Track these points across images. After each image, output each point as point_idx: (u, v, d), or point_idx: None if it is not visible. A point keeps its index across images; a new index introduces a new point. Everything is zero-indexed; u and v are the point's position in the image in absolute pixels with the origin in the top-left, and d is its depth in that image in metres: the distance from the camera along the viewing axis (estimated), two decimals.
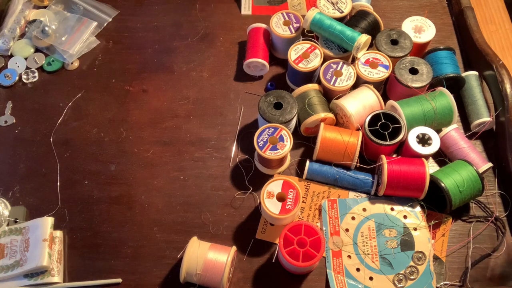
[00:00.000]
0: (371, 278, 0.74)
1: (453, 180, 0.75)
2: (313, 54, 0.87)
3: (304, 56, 0.87)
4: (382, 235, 0.76)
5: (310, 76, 0.88)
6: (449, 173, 0.76)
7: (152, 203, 0.83)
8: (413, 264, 0.74)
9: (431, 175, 0.76)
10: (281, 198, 0.75)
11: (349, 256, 0.75)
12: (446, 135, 0.82)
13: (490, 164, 0.80)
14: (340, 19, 0.90)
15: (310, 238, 0.71)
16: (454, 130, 0.82)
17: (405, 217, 0.78)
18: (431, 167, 0.83)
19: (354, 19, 0.92)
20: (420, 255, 0.74)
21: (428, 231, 0.77)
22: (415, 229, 0.77)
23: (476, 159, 0.80)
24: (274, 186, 0.75)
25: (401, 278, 0.73)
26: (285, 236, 0.71)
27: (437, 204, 0.79)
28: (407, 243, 0.76)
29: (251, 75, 0.96)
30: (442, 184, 0.75)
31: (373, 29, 0.91)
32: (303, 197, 0.81)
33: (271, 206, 0.74)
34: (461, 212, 0.80)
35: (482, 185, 0.76)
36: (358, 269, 0.74)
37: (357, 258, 0.75)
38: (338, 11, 0.91)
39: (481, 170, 0.78)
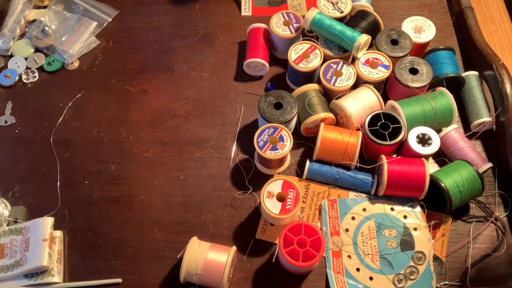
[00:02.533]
0: (371, 278, 0.74)
1: (453, 180, 0.75)
2: (313, 54, 0.87)
3: (304, 56, 0.87)
4: (382, 235, 0.76)
5: (310, 76, 0.88)
6: (449, 173, 0.76)
7: (152, 203, 0.83)
8: (413, 264, 0.74)
9: (431, 175, 0.76)
10: (281, 198, 0.75)
11: (349, 256, 0.75)
12: (446, 135, 0.82)
13: (490, 164, 0.80)
14: (340, 19, 0.90)
15: (310, 238, 0.71)
16: (454, 130, 0.82)
17: (405, 217, 0.78)
18: (431, 167, 0.83)
19: (354, 19, 0.92)
20: (420, 255, 0.74)
21: (428, 231, 0.77)
22: (415, 229, 0.77)
23: (476, 159, 0.80)
24: (274, 186, 0.75)
25: (401, 278, 0.73)
26: (285, 236, 0.71)
27: (437, 204, 0.79)
28: (407, 243, 0.76)
29: (251, 75, 0.96)
30: (442, 184, 0.75)
31: (373, 29, 0.91)
32: (303, 197, 0.81)
33: (271, 206, 0.74)
34: (461, 212, 0.80)
35: (482, 185, 0.76)
36: (358, 269, 0.74)
37: (357, 258, 0.75)
38: (338, 11, 0.91)
39: (481, 170, 0.78)
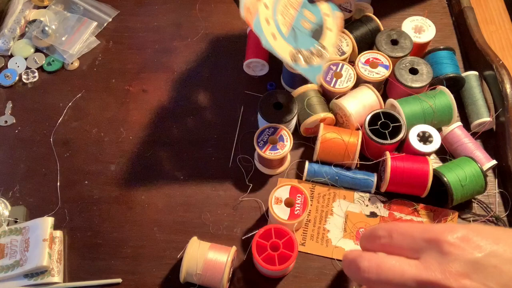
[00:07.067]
0: (274, 37, 0.73)
1: (456, 175, 0.75)
2: None
3: None
4: (302, 14, 0.77)
5: (303, 78, 0.88)
6: (452, 168, 0.76)
7: (152, 203, 0.83)
8: (314, 52, 0.76)
9: (434, 170, 0.76)
10: (289, 203, 0.74)
11: (266, 6, 0.74)
12: (451, 133, 0.82)
13: (494, 162, 0.80)
14: (348, 19, 0.92)
15: (282, 240, 0.70)
16: (458, 128, 0.82)
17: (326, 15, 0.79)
18: (436, 161, 0.83)
19: (358, 23, 0.92)
20: (322, 49, 0.77)
21: (337, 33, 0.79)
22: (329, 29, 0.79)
23: (480, 156, 0.80)
24: (282, 192, 0.75)
25: (299, 55, 0.74)
26: (257, 243, 0.70)
27: (438, 199, 0.79)
28: (318, 33, 0.77)
29: (251, 75, 0.96)
30: (445, 178, 0.75)
31: (372, 35, 0.91)
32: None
33: (280, 212, 0.73)
34: (462, 212, 0.80)
35: (485, 181, 0.76)
36: (267, 21, 0.73)
37: (272, 12, 0.74)
38: (346, 10, 0.92)
39: (485, 167, 0.78)
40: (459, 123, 0.83)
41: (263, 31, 0.71)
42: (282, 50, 0.73)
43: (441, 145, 0.80)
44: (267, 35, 0.71)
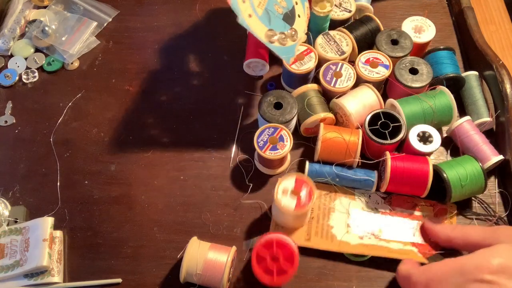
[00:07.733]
0: (250, 16, 0.76)
1: (456, 172, 0.75)
2: (308, 57, 0.87)
3: (298, 58, 0.87)
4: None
5: (304, 78, 0.88)
6: (453, 165, 0.77)
7: (152, 203, 0.83)
8: (287, 35, 0.80)
9: (434, 165, 0.77)
10: (294, 194, 0.74)
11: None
12: (460, 126, 0.82)
13: (501, 157, 0.79)
14: (347, 20, 0.92)
15: (282, 251, 0.70)
16: (466, 122, 0.82)
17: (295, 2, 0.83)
18: (436, 161, 0.83)
19: (357, 23, 0.92)
20: (293, 33, 0.81)
21: (306, 20, 0.83)
22: (299, 15, 0.83)
23: (488, 151, 0.80)
24: (287, 183, 0.74)
25: (274, 37, 0.78)
26: (257, 253, 0.70)
27: (439, 196, 0.79)
28: (289, 18, 0.81)
29: (251, 75, 0.96)
30: (445, 175, 0.75)
31: (372, 35, 0.91)
32: None
33: (286, 203, 0.73)
34: (463, 211, 0.80)
35: (485, 182, 0.76)
36: (243, 0, 0.76)
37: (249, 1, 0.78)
38: (346, 11, 0.91)
39: (492, 162, 0.78)
40: (468, 117, 0.83)
41: (240, 9, 0.73)
42: (257, 29, 0.75)
43: (442, 143, 0.80)
44: (243, 13, 0.74)
